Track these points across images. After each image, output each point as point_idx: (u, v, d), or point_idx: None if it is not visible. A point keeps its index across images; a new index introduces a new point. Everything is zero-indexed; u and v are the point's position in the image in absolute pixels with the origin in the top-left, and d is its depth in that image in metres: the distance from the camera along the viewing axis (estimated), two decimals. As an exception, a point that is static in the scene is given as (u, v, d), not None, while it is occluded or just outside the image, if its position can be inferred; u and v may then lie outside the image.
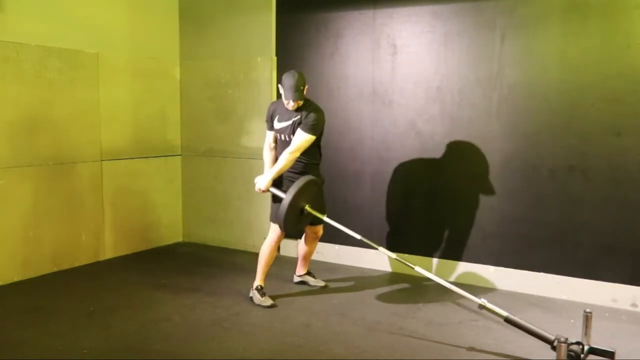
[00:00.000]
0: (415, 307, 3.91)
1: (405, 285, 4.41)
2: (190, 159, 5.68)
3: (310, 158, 3.89)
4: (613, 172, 3.91)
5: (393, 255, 3.68)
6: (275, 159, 3.91)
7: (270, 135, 4.00)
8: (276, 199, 3.83)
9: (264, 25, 5.11)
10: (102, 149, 4.91)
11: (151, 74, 5.34)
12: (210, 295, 4.10)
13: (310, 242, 4.24)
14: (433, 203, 4.54)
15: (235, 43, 5.30)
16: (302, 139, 3.72)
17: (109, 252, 5.05)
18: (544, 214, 4.13)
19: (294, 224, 3.80)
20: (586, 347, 3.00)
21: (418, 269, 3.52)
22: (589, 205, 3.99)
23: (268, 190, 3.81)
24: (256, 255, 4.00)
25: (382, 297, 4.13)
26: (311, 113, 3.75)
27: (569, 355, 2.89)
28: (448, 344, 3.30)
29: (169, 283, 4.38)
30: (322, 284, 4.32)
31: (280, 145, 3.91)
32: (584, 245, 4.02)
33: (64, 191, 4.63)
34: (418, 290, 4.28)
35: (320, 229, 4.18)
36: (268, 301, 3.87)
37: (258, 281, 3.95)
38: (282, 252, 5.15)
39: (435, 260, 4.57)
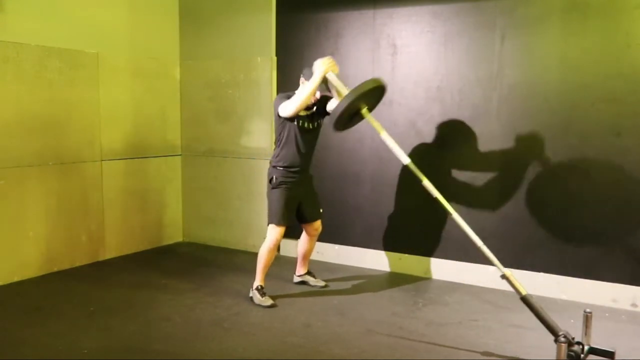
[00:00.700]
0: (415, 307, 3.91)
1: (405, 285, 4.41)
2: (190, 159, 5.68)
3: (312, 156, 3.97)
4: (613, 172, 3.90)
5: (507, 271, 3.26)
6: (291, 155, 3.86)
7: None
8: (273, 199, 3.84)
9: (264, 25, 5.12)
10: (102, 149, 4.91)
11: (151, 74, 5.34)
12: (210, 295, 4.10)
13: (309, 240, 4.24)
14: (433, 203, 4.52)
15: (235, 43, 5.30)
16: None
17: (109, 252, 5.05)
18: (544, 214, 4.13)
19: (343, 123, 3.54)
20: (586, 347, 3.00)
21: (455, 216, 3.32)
22: (589, 205, 3.99)
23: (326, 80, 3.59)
24: (256, 255, 4.00)
25: (382, 297, 4.13)
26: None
27: (569, 355, 2.89)
28: (448, 344, 3.30)
29: (169, 283, 4.38)
30: (322, 283, 4.32)
31: (301, 133, 3.83)
32: (584, 245, 4.02)
33: (64, 191, 4.63)
34: (418, 290, 4.28)
35: (319, 225, 4.19)
36: (268, 301, 3.87)
37: (258, 281, 3.95)
38: (282, 252, 5.15)
39: (435, 260, 4.57)
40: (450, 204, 4.47)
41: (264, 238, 3.96)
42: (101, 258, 4.98)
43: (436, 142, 4.47)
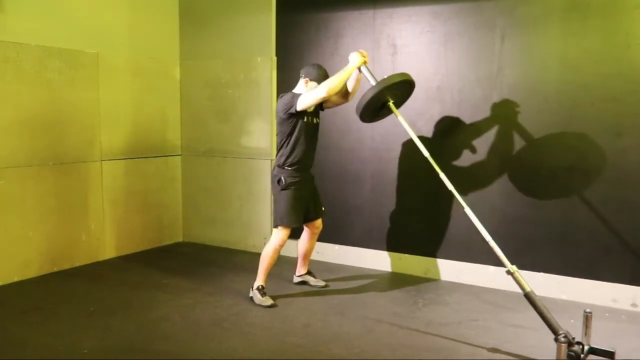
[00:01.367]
0: (415, 307, 3.91)
1: (405, 285, 4.41)
2: (190, 159, 5.68)
3: (315, 154, 4.01)
4: (613, 172, 3.90)
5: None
6: (300, 154, 3.85)
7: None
8: (282, 201, 3.84)
9: (264, 25, 5.12)
10: (102, 149, 4.91)
11: (151, 74, 5.34)
12: (210, 295, 4.10)
13: (310, 239, 4.24)
14: (433, 203, 4.54)
15: (235, 43, 5.30)
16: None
17: (109, 252, 5.05)
18: (544, 214, 4.13)
19: (370, 116, 3.71)
20: (586, 347, 3.00)
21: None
22: (589, 205, 3.99)
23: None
24: (256, 255, 4.00)
25: (382, 297, 4.13)
26: None
27: (569, 355, 2.89)
28: (448, 344, 3.30)
29: (169, 283, 4.38)
30: (322, 283, 4.32)
31: (307, 130, 3.84)
32: (584, 245, 4.02)
33: (64, 191, 4.63)
34: (418, 290, 4.28)
35: (321, 223, 4.19)
36: (268, 301, 3.87)
37: (259, 281, 3.95)
38: (282, 252, 5.11)
39: (435, 260, 4.57)
40: (450, 204, 4.50)
41: (265, 238, 3.97)
42: (101, 258, 4.98)
43: (436, 142, 4.47)
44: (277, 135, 3.91)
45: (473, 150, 4.34)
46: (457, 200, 4.45)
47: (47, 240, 4.55)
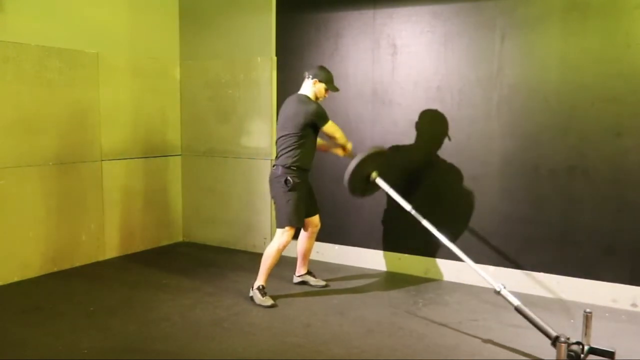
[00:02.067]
0: (415, 307, 3.91)
1: (405, 285, 4.41)
2: (190, 159, 5.68)
3: None
4: (613, 172, 3.90)
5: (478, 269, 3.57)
6: (309, 155, 4.00)
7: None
8: (289, 201, 3.86)
9: (264, 25, 5.11)
10: (102, 149, 4.91)
11: (151, 74, 5.34)
12: (210, 295, 4.10)
13: (309, 238, 4.25)
14: (433, 203, 4.53)
15: (235, 43, 5.30)
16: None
17: (109, 252, 5.05)
18: (544, 214, 4.13)
19: (360, 190, 4.01)
20: (586, 347, 3.00)
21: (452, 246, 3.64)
22: (589, 205, 3.99)
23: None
24: (256, 255, 4.00)
25: (382, 297, 4.13)
26: None
27: (569, 355, 2.89)
28: (448, 344, 3.30)
29: (169, 283, 4.38)
30: (322, 283, 4.33)
31: (315, 135, 3.99)
32: (584, 245, 4.02)
33: (64, 191, 4.63)
34: (418, 290, 4.28)
35: (319, 221, 4.21)
36: (269, 301, 3.87)
37: (260, 281, 3.95)
38: (282, 253, 5.14)
39: (435, 260, 4.57)
40: (450, 204, 4.50)
41: (265, 238, 3.97)
42: (101, 258, 4.98)
43: (436, 142, 4.47)
44: (285, 136, 3.88)
45: (473, 150, 4.34)
46: (458, 200, 4.48)
47: (47, 240, 4.55)
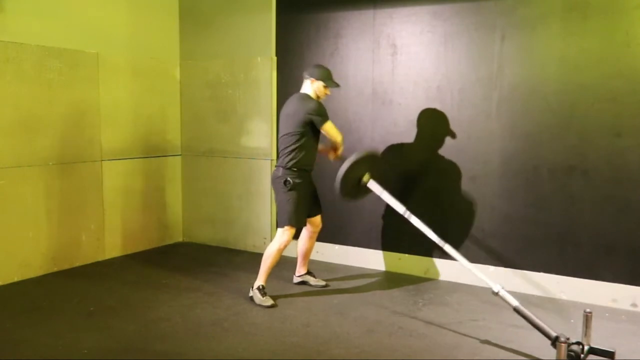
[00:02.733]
0: (415, 307, 3.91)
1: (405, 285, 4.41)
2: (190, 159, 5.68)
3: None
4: (613, 172, 3.91)
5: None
6: (310, 155, 3.99)
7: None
8: (289, 201, 3.85)
9: (264, 25, 5.12)
10: (102, 149, 4.91)
11: (151, 74, 5.34)
12: (210, 295, 4.10)
13: (309, 238, 4.25)
14: (433, 203, 4.54)
15: (235, 43, 5.30)
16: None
17: (109, 252, 5.05)
18: (544, 214, 4.13)
19: (352, 194, 3.98)
20: (586, 347, 3.00)
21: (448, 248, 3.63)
22: (589, 205, 3.99)
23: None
24: (256, 255, 4.00)
25: (382, 297, 4.13)
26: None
27: (569, 355, 2.89)
28: (448, 344, 3.30)
29: (169, 283, 4.38)
30: (322, 283, 4.33)
31: (314, 133, 3.95)
32: (584, 245, 4.02)
33: (64, 191, 4.63)
34: (418, 290, 4.28)
35: (320, 222, 4.20)
36: (269, 301, 3.87)
37: (260, 281, 3.95)
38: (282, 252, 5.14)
39: (435, 260, 4.57)
40: (450, 204, 4.50)
41: (265, 238, 3.97)
42: (101, 258, 4.98)
43: (436, 142, 4.47)
44: (285, 135, 3.89)
45: (473, 150, 4.34)
46: (458, 200, 4.48)
47: (47, 240, 4.55)
